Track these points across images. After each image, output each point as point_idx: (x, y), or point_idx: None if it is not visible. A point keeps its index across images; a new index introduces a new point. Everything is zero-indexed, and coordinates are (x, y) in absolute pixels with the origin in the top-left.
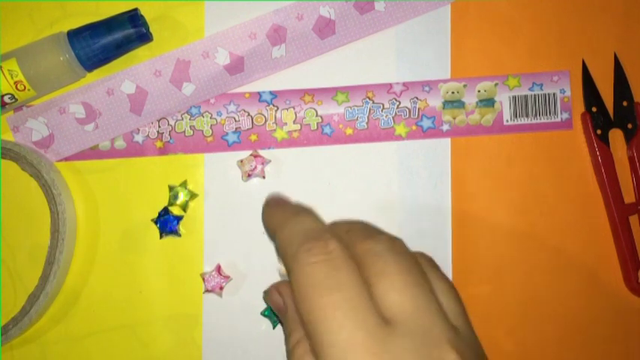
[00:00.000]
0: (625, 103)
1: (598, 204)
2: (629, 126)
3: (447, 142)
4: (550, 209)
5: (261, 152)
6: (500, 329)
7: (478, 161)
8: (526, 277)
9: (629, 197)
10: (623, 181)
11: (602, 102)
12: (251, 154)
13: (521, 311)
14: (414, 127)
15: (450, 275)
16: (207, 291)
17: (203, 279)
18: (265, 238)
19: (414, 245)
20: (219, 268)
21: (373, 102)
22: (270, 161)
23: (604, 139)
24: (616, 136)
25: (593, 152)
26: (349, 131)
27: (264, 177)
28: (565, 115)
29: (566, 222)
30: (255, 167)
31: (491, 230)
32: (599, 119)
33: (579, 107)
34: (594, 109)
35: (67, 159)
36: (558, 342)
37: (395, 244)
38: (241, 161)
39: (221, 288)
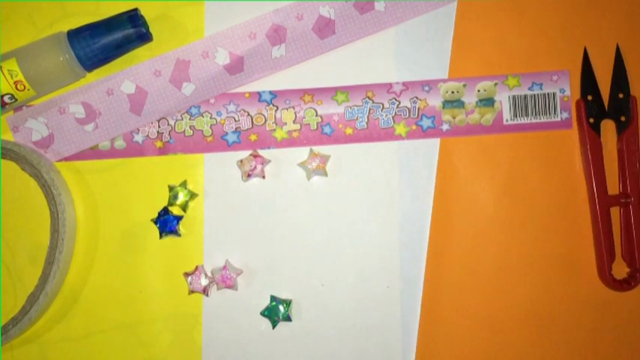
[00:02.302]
0: (621, 96)
1: (583, 194)
2: (622, 118)
3: (437, 140)
4: (537, 199)
5: (261, 152)
6: (473, 316)
7: (469, 156)
8: (501, 266)
9: (613, 189)
10: (609, 172)
11: (598, 91)
12: (251, 154)
13: (494, 299)
14: (413, 127)
15: (423, 267)
16: (191, 292)
17: (186, 279)
18: (265, 238)
19: (412, 245)
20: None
21: (373, 102)
22: (270, 161)
23: (595, 128)
24: (608, 127)
25: (583, 140)
26: (349, 131)
27: (264, 177)
28: (565, 115)
29: (549, 211)
30: (255, 167)
31: (474, 221)
32: (593, 108)
33: None
34: (589, 98)
35: (67, 159)
36: (530, 330)
37: None
38: (241, 161)
39: (204, 290)
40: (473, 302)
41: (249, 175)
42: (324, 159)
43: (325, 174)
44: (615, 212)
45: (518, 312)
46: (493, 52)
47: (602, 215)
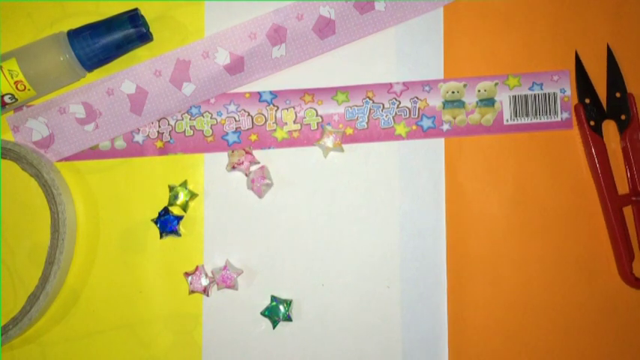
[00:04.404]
0: (618, 95)
1: (593, 196)
2: (623, 117)
3: (442, 141)
4: (546, 203)
5: (261, 152)
6: (495, 321)
7: (476, 160)
8: (521, 270)
9: (622, 188)
10: (616, 172)
11: (595, 93)
12: (244, 149)
13: (515, 304)
14: (414, 127)
15: (444, 272)
16: (192, 292)
17: (186, 279)
18: (265, 238)
19: (413, 245)
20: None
21: (373, 102)
22: (258, 163)
23: (597, 131)
24: (609, 128)
25: (587, 144)
26: (349, 131)
27: (247, 175)
28: (565, 115)
29: (561, 215)
30: (242, 163)
31: (486, 226)
32: (593, 110)
33: None
34: (587, 101)
35: (67, 159)
36: (553, 333)
37: None
38: (232, 151)
39: (204, 290)
40: (496, 310)
41: (233, 167)
42: (338, 136)
43: (342, 150)
44: (627, 210)
45: (542, 317)
46: (489, 52)
47: (615, 216)
